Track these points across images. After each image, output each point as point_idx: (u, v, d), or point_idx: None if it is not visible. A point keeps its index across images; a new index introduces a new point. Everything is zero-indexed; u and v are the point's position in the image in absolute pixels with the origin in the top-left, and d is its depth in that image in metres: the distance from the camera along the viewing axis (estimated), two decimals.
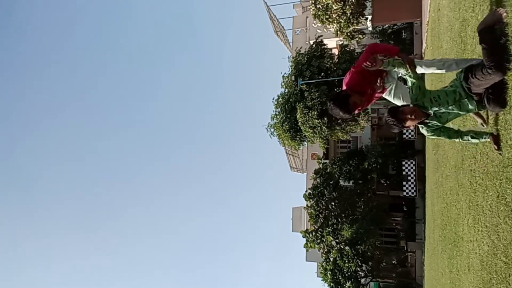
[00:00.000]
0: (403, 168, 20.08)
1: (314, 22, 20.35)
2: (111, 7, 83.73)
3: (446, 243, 7.07)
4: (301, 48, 20.10)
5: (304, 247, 21.19)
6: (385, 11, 18.00)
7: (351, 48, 20.27)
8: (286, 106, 18.80)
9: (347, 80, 4.36)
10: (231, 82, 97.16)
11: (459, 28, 5.86)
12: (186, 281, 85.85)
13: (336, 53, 20.85)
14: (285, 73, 19.55)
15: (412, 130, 20.47)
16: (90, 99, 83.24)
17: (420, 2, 16.17)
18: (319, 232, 20.22)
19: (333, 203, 20.10)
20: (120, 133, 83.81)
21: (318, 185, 20.72)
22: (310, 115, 17.40)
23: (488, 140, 3.63)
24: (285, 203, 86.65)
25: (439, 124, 3.66)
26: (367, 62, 3.58)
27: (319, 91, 17.57)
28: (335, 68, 18.26)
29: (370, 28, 22.85)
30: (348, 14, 17.93)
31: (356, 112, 4.47)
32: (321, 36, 20.14)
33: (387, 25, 23.64)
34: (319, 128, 17.62)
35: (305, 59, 18.49)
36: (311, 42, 21.54)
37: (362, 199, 20.02)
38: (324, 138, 19.38)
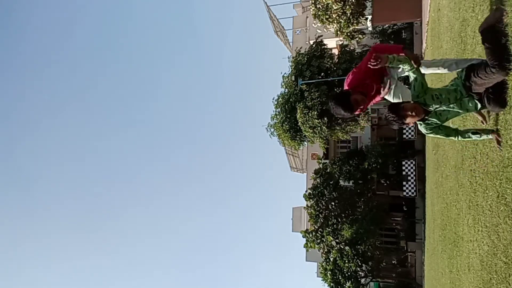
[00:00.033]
0: (403, 168, 20.08)
1: (314, 22, 20.34)
2: (111, 7, 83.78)
3: (446, 243, 7.07)
4: (301, 48, 20.10)
5: (304, 247, 21.20)
6: (385, 11, 18.00)
7: (351, 48, 20.27)
8: (286, 106, 18.80)
9: (349, 80, 4.36)
10: (231, 82, 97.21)
11: (459, 28, 5.86)
12: (186, 281, 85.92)
13: (336, 53, 20.85)
14: (285, 73, 19.57)
15: (412, 130, 20.49)
16: (90, 99, 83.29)
17: (420, 2, 16.17)
18: (319, 232, 20.22)
19: (333, 203, 20.10)
20: (120, 133, 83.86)
21: (318, 185, 20.73)
22: (310, 115, 17.40)
23: (491, 137, 3.62)
24: (285, 203, 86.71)
25: (438, 122, 3.66)
26: (372, 60, 3.57)
27: (319, 91, 17.57)
28: (335, 68, 18.26)
29: (370, 28, 22.85)
30: (348, 14, 17.93)
31: (358, 111, 4.45)
32: (321, 36, 20.14)
33: (387, 25, 23.64)
34: (319, 128, 17.62)
35: (305, 59, 18.49)
36: (311, 42, 21.53)
37: (362, 199, 20.02)
38: (324, 138, 19.38)
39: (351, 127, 19.29)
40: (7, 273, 76.67)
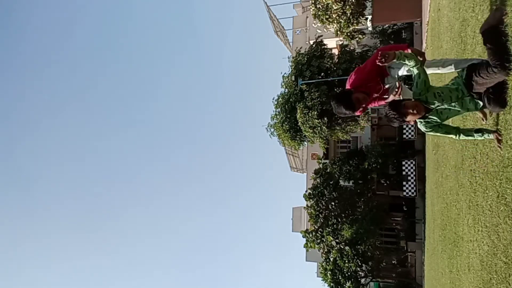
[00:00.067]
0: (403, 168, 20.07)
1: (314, 22, 20.34)
2: (111, 7, 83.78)
3: (446, 243, 7.07)
4: (301, 48, 20.10)
5: (304, 247, 21.20)
6: (385, 11, 18.01)
7: (351, 48, 20.26)
8: (286, 106, 18.80)
9: (352, 80, 4.37)
10: (231, 82, 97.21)
11: (459, 28, 5.86)
12: (186, 281, 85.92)
13: (336, 53, 20.84)
14: (285, 73, 19.56)
15: (412, 130, 20.49)
16: (90, 99, 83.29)
17: (420, 2, 16.17)
18: (319, 232, 20.22)
19: (333, 203, 20.10)
20: (120, 133, 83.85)
21: (318, 185, 20.73)
22: (310, 115, 17.40)
23: (491, 137, 3.62)
24: (285, 203, 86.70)
25: (438, 120, 3.65)
26: (379, 57, 3.58)
27: (319, 91, 17.57)
28: (335, 68, 18.25)
29: (370, 28, 22.85)
30: (348, 14, 17.93)
31: (360, 111, 4.44)
32: (321, 36, 20.13)
33: (387, 25, 23.64)
34: (319, 128, 17.62)
35: (305, 59, 18.48)
36: (311, 42, 21.53)
37: (362, 199, 20.02)
38: (324, 138, 19.38)
39: (351, 127, 19.29)
40: (7, 273, 76.71)
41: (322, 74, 18.34)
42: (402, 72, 4.38)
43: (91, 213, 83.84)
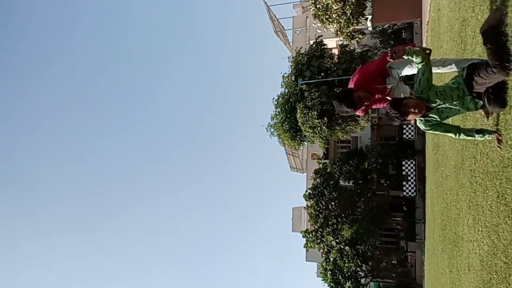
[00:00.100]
0: (403, 168, 20.07)
1: (314, 22, 20.35)
2: (111, 7, 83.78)
3: (446, 243, 7.07)
4: (301, 48, 20.08)
5: (304, 247, 21.20)
6: (385, 11, 18.01)
7: (351, 48, 20.25)
8: (286, 106, 18.79)
9: (355, 79, 4.37)
10: (231, 82, 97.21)
11: (459, 28, 5.86)
12: (186, 281, 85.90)
13: (336, 53, 20.83)
14: (285, 73, 19.55)
15: (412, 130, 20.49)
16: (90, 99, 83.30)
17: (420, 2, 16.18)
18: (319, 232, 20.22)
19: (333, 203, 20.10)
20: (120, 133, 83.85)
21: (318, 185, 20.73)
22: (310, 115, 17.39)
23: (492, 137, 3.62)
24: (285, 203, 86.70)
25: (438, 119, 3.65)
26: (389, 53, 3.58)
27: (319, 91, 17.56)
28: (335, 68, 18.24)
29: (370, 28, 22.86)
30: (348, 14, 17.94)
31: (362, 111, 4.43)
32: (321, 36, 20.12)
33: (387, 25, 23.65)
34: (319, 128, 17.61)
35: (305, 59, 18.47)
36: (311, 42, 21.53)
37: (362, 199, 20.02)
38: (324, 138, 19.36)
39: (351, 127, 19.28)
40: (7, 273, 76.70)
41: (322, 74, 18.33)
42: (402, 72, 4.38)
43: (91, 213, 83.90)
